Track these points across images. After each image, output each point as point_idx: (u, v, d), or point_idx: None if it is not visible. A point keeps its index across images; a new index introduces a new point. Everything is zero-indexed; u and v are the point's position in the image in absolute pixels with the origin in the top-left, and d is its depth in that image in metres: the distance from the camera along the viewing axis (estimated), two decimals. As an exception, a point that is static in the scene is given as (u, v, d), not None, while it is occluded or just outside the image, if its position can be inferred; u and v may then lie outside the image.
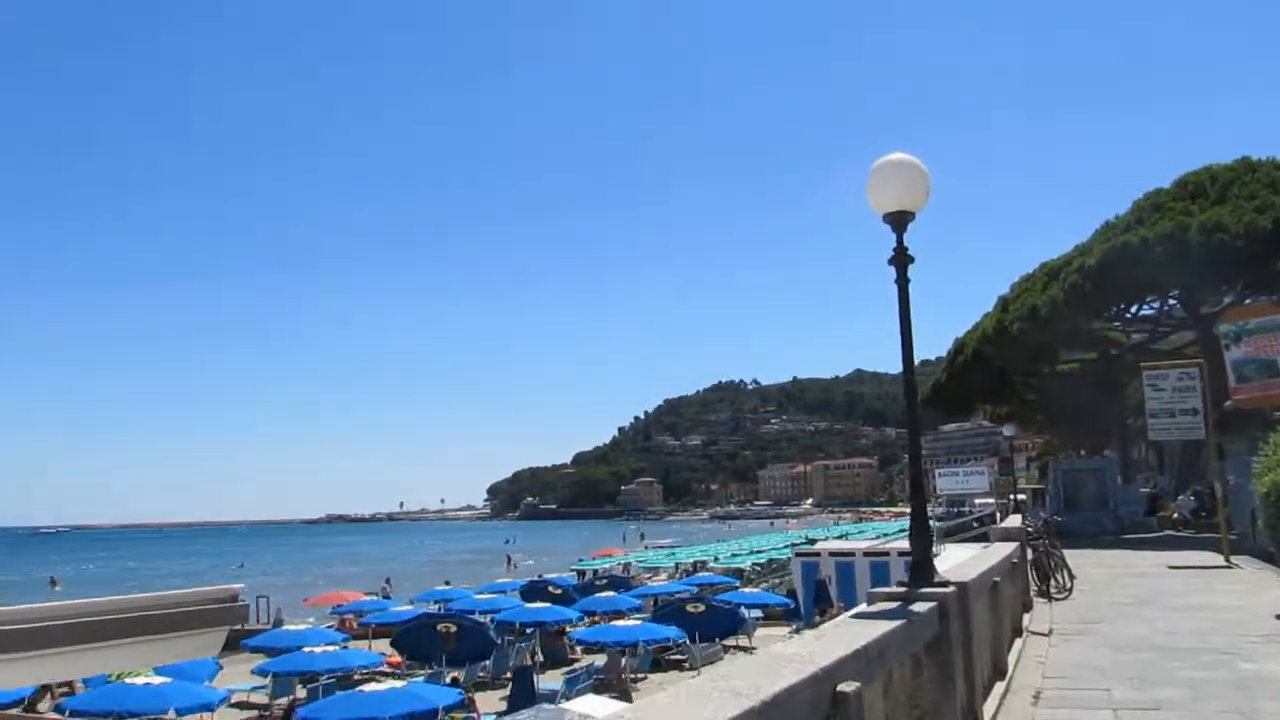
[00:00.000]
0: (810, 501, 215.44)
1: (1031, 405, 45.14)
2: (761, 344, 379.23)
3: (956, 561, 12.54)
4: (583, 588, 27.30)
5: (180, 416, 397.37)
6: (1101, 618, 11.50)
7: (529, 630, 19.11)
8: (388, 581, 37.54)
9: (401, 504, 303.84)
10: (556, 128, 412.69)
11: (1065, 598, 13.69)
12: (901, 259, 5.98)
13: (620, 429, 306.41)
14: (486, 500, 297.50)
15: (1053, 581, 13.97)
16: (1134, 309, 32.80)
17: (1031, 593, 13.50)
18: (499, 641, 17.39)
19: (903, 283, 6.01)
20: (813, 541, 53.02)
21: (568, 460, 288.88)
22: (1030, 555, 14.10)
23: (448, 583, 34.74)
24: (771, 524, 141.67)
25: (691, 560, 42.12)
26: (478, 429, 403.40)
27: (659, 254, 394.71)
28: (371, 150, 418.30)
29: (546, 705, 10.25)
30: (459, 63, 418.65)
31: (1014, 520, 16.85)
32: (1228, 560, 18.22)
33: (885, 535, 49.33)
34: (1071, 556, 21.39)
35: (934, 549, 19.07)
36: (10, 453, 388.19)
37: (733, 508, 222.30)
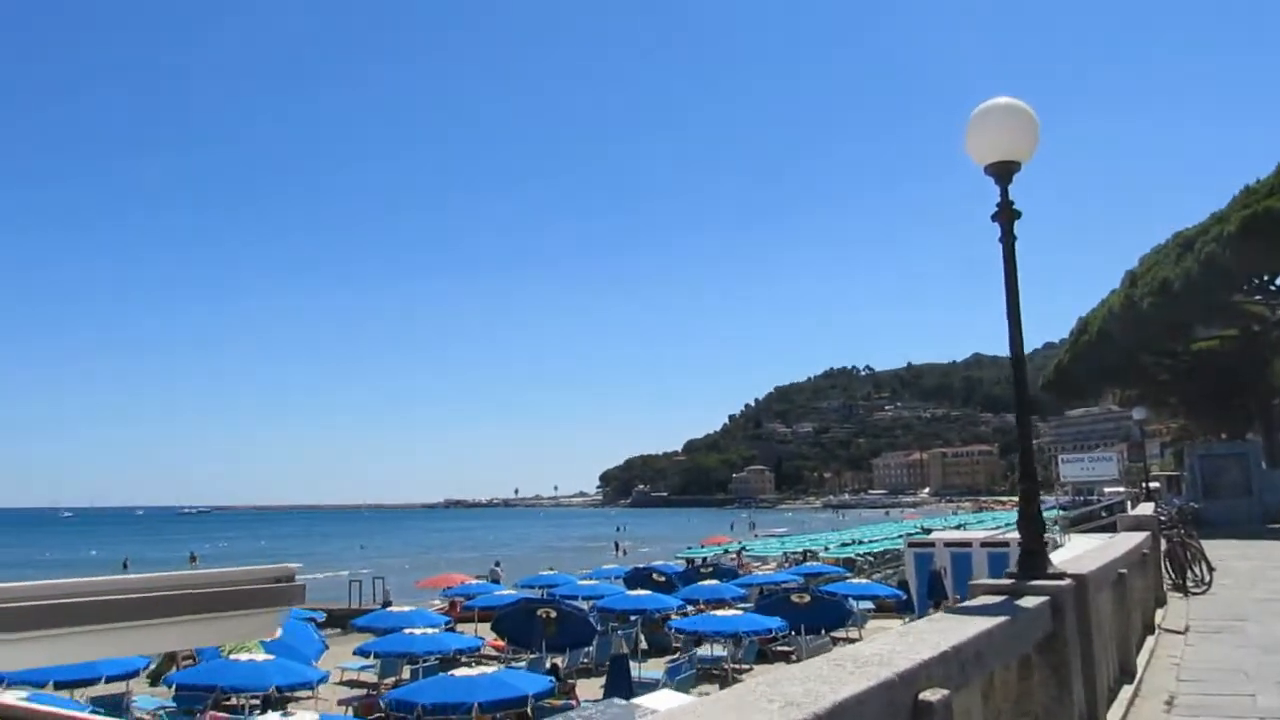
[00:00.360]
0: (927, 490, 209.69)
1: (1165, 387, 42.41)
2: (875, 329, 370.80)
3: (1078, 552, 11.70)
4: (688, 576, 26.97)
5: (316, 405, 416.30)
6: (1246, 615, 10.46)
7: (631, 618, 18.90)
8: (498, 565, 38.06)
9: (516, 490, 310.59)
10: (662, 115, 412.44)
11: (1204, 592, 12.59)
12: (1007, 214, 5.37)
13: (731, 417, 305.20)
14: (599, 487, 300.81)
15: (1190, 575, 12.86)
16: (1274, 280, 30.30)
17: (1165, 587, 12.47)
18: (600, 629, 17.25)
19: (1008, 241, 5.41)
20: (928, 531, 51.44)
21: (679, 448, 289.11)
22: (1164, 546, 13.03)
23: (551, 569, 35.01)
24: (887, 513, 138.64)
25: (801, 549, 41.21)
26: (591, 416, 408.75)
27: (770, 239, 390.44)
28: (490, 144, 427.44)
29: (617, 701, 9.90)
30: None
31: (1145, 508, 15.62)
32: (1393, 552, 16.56)
33: (1005, 525, 47.21)
34: (1211, 547, 19.87)
35: (1058, 538, 17.98)
36: (158, 435, 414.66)
37: (846, 496, 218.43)
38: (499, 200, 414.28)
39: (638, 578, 26.28)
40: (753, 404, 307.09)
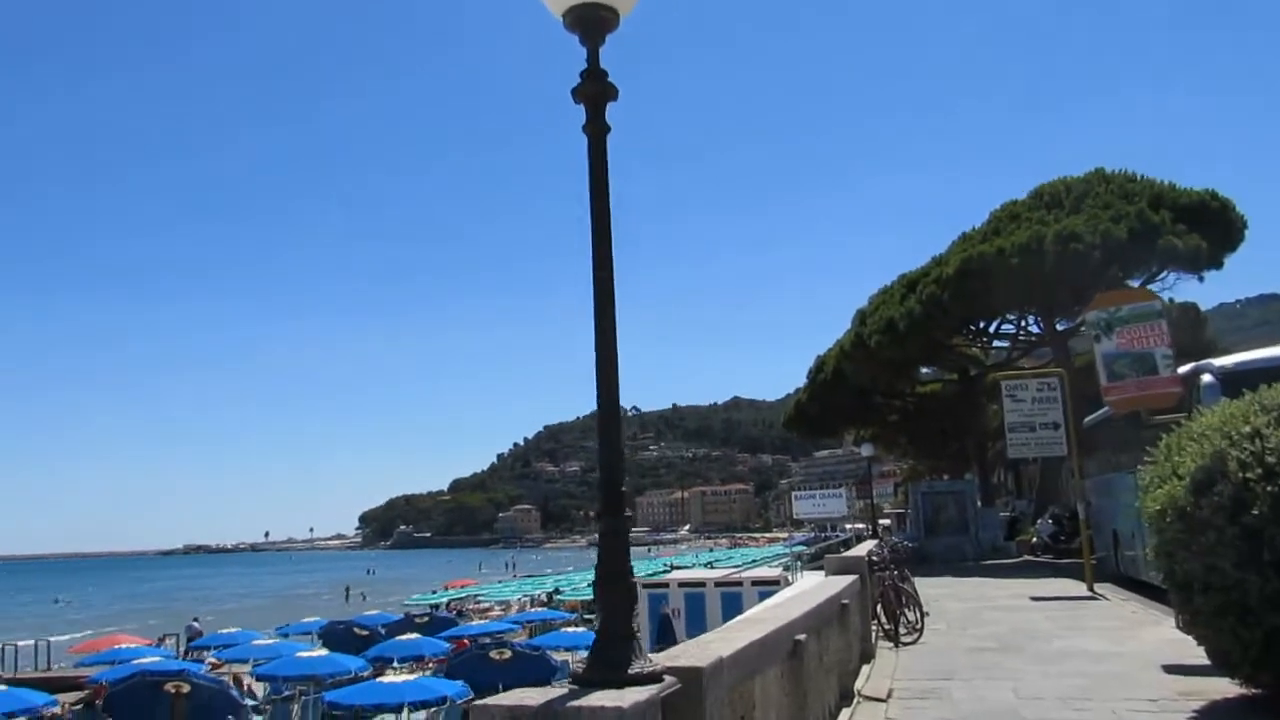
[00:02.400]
0: (687, 528, 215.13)
1: (895, 427, 44.19)
2: (643, 371, 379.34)
3: (782, 598, 10.05)
4: (400, 627, 24.01)
5: (27, 438, 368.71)
6: (955, 671, 9.25)
7: (288, 690, 15.71)
8: (196, 621, 33.04)
9: (267, 534, 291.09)
10: (423, 140, 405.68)
11: (915, 640, 11.50)
12: (596, 85, 3.44)
13: (499, 455, 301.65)
14: (358, 529, 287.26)
15: (902, 620, 11.77)
16: (993, 325, 31.93)
17: (875, 637, 11.29)
18: (244, 704, 14.06)
19: (597, 133, 3.48)
20: (674, 568, 50.87)
21: (444, 487, 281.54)
22: (878, 590, 11.92)
23: (191, 624, 30.45)
24: (649, 550, 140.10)
25: (544, 591, 39.04)
26: (352, 455, 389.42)
27: (541, 278, 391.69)
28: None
29: None
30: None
31: (860, 547, 14.67)
32: (1091, 589, 16.61)
33: (753, 561, 47.44)
34: (929, 585, 19.59)
35: (789, 576, 16.67)
36: None
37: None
38: (234, 221, 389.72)
39: (335, 633, 22.98)
40: (522, 443, 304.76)
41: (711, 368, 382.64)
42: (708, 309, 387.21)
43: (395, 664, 17.71)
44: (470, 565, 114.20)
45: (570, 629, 22.06)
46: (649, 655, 3.25)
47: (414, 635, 20.18)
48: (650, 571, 45.93)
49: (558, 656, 17.03)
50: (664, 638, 23.76)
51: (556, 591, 38.30)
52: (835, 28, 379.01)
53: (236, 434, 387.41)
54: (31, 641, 30.37)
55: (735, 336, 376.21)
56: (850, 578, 9.80)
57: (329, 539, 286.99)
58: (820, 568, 25.92)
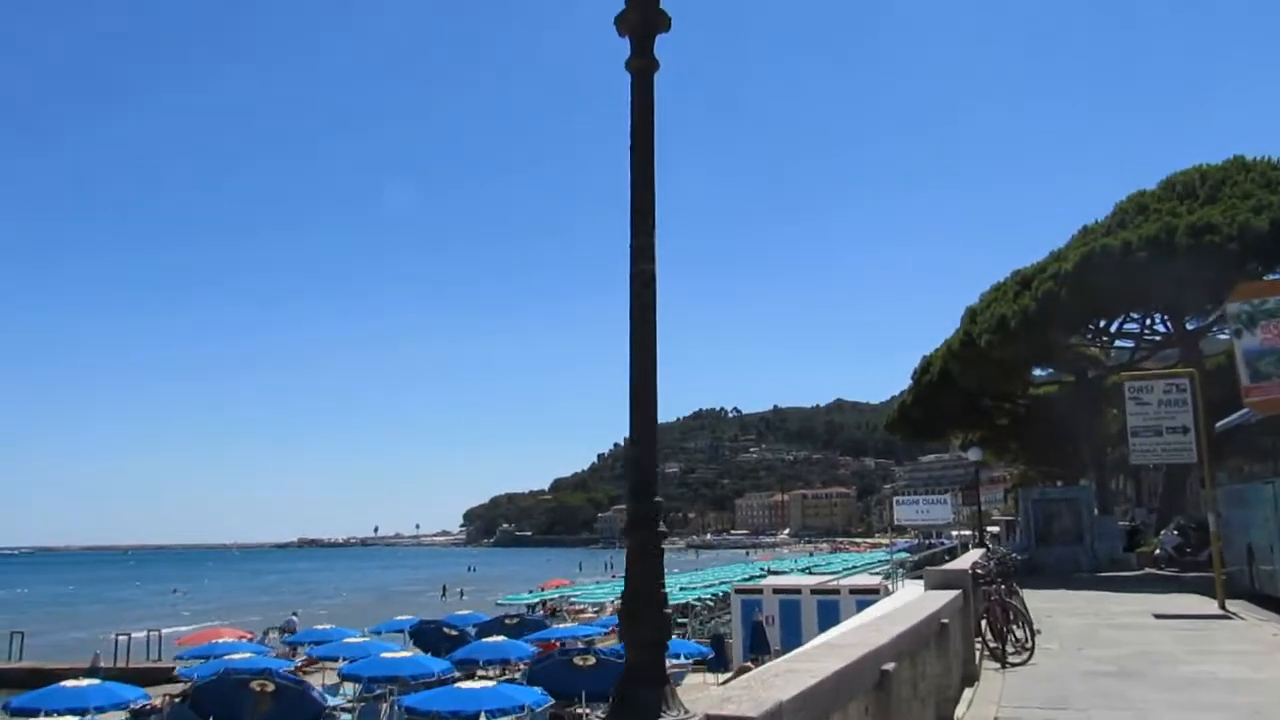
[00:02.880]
0: (787, 531, 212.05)
1: (1004, 431, 42.14)
2: (743, 372, 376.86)
3: (873, 614, 9.32)
4: (490, 628, 23.90)
5: (159, 437, 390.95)
6: (1070, 699, 8.34)
7: (377, 689, 15.63)
8: (295, 615, 33.85)
9: (376, 529, 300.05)
10: (541, 141, 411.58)
11: (1024, 661, 10.54)
12: (640, 16, 2.88)
13: (600, 455, 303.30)
14: (462, 526, 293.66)
15: (1010, 639, 10.82)
16: (1115, 324, 29.94)
17: (979, 657, 10.39)
18: (326, 704, 13.97)
19: (643, 70, 2.92)
20: (771, 573, 49.78)
21: (546, 487, 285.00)
22: (983, 605, 10.99)
23: (290, 618, 31.07)
24: (748, 554, 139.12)
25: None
26: (457, 453, 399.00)
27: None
28: (352, 162, 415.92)
29: None
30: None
31: (965, 558, 13.66)
32: (1223, 607, 15.17)
33: (853, 568, 46.06)
34: (1042, 598, 18.31)
35: (890, 585, 15.81)
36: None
37: (709, 537, 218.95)
38: (353, 216, 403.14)
39: (425, 633, 23.03)
40: (622, 443, 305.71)
41: (814, 369, 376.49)
42: (812, 309, 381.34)
43: (481, 666, 17.49)
44: (570, 564, 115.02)
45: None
46: (683, 704, 2.65)
47: (500, 638, 19.95)
48: (745, 576, 45.21)
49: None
50: (757, 646, 23.16)
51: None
52: (938, 26, 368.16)
53: (347, 431, 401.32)
54: (144, 633, 31.64)
55: (839, 338, 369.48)
56: (952, 593, 8.98)
57: (434, 535, 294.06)
58: (922, 577, 24.78)
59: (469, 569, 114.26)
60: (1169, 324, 28.57)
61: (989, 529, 70.12)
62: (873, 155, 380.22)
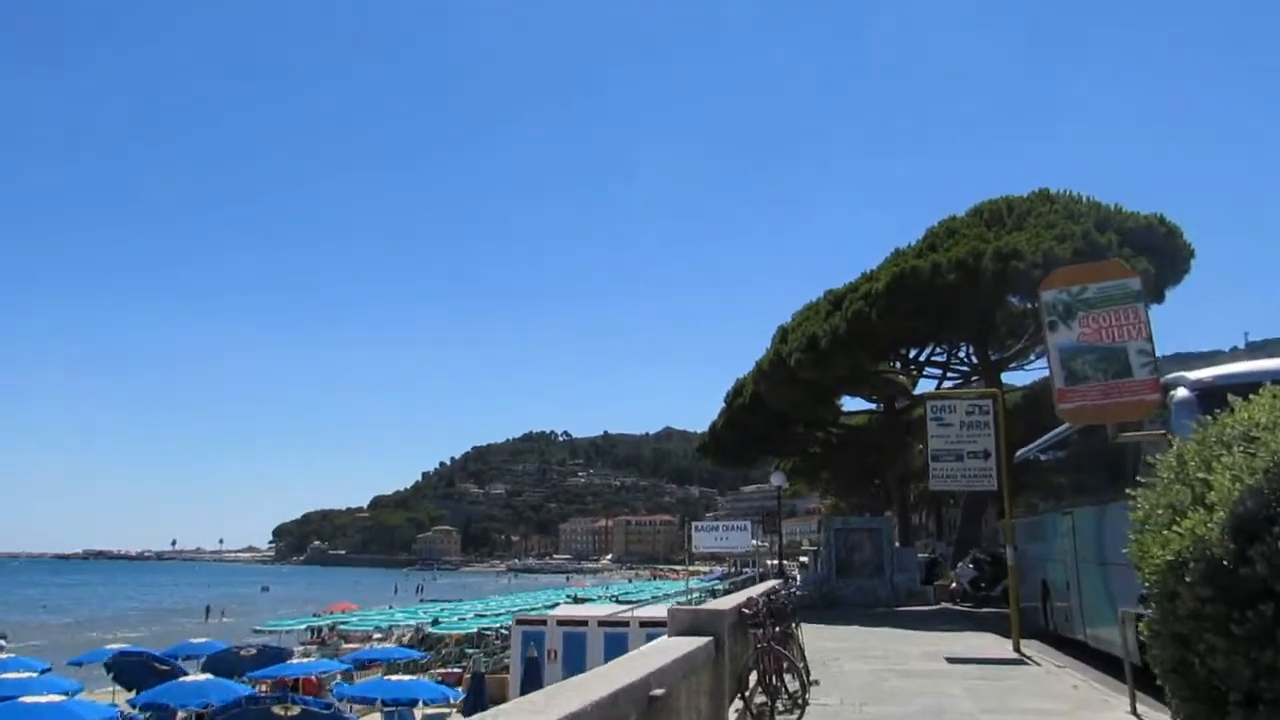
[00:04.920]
0: (610, 557, 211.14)
1: (817, 460, 41.78)
2: (575, 397, 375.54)
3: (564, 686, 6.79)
4: (221, 661, 20.35)
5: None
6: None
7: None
8: (2, 636, 28.73)
9: (174, 542, 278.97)
10: (375, 156, 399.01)
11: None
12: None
13: (424, 474, 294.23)
14: (271, 542, 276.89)
15: (781, 693, 8.85)
16: (924, 352, 29.62)
17: (747, 712, 8.36)
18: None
19: None
20: (576, 600, 47.48)
21: (365, 504, 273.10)
22: (752, 652, 9.01)
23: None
24: (568, 579, 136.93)
25: (414, 623, 35.39)
26: (271, 466, 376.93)
27: (478, 301, 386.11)
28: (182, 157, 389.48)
29: None
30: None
31: (738, 595, 11.71)
32: (1018, 649, 13.96)
33: (665, 595, 44.33)
34: (832, 636, 16.72)
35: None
36: None
37: (531, 561, 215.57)
38: (181, 225, 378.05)
39: (128, 665, 19.20)
40: (448, 462, 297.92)
41: (645, 396, 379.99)
42: (643, 335, 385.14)
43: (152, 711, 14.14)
44: (384, 586, 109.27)
45: (405, 679, 18.67)
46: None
47: (202, 676, 16.55)
48: (549, 602, 42.70)
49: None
50: (530, 682, 20.67)
51: (434, 622, 34.59)
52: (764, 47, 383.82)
53: (147, 436, 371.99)
54: None
55: (670, 364, 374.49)
56: (697, 642, 6.82)
57: (239, 551, 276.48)
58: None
59: (262, 588, 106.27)
60: (974, 354, 28.38)
61: (801, 559, 70.65)
62: (702, 189, 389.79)
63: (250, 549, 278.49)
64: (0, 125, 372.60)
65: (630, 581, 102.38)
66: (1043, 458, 16.99)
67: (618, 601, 39.14)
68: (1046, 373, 28.34)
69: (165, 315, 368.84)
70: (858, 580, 24.93)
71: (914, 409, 31.05)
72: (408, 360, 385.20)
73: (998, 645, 15.12)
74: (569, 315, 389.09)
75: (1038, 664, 12.89)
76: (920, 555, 30.58)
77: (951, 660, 13.31)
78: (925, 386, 31.82)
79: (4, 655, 21.71)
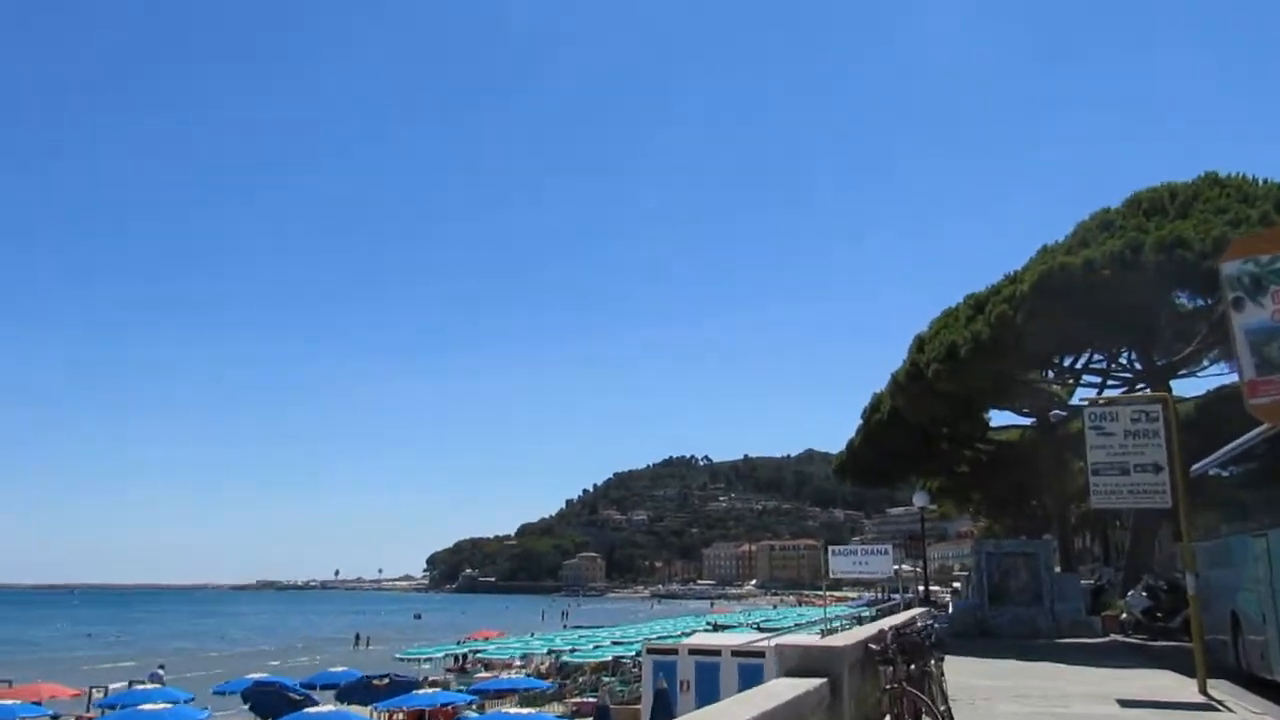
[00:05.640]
0: (754, 582, 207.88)
1: (965, 479, 39.22)
2: (715, 421, 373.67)
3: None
4: (355, 690, 20.46)
5: (112, 474, 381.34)
6: None
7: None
8: (161, 667, 30.16)
9: (337, 572, 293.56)
10: (499, 194, 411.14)
11: (935, 776, 7.42)
12: None
13: (568, 501, 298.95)
14: (425, 570, 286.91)
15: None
16: (1079, 360, 27.22)
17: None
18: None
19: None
20: (716, 627, 46.33)
21: (511, 532, 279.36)
22: (882, 692, 7.89)
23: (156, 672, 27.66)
24: (712, 604, 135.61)
25: (549, 650, 35.09)
26: (424, 497, 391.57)
27: (616, 327, 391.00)
28: (322, 200, 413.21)
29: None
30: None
31: (875, 625, 10.49)
32: (1204, 692, 12.10)
33: (808, 622, 42.65)
34: (985, 672, 15.15)
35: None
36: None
37: (675, 586, 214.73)
38: (320, 261, 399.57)
39: (263, 695, 19.49)
40: (591, 489, 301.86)
41: (785, 419, 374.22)
42: (782, 358, 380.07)
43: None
44: (531, 612, 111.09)
45: (526, 711, 18.12)
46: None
47: (328, 708, 16.52)
48: (686, 630, 41.76)
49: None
50: (659, 714, 19.79)
51: (571, 650, 34.22)
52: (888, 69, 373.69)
53: (314, 472, 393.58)
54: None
55: (809, 385, 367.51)
56: (807, 685, 5.84)
57: (397, 580, 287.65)
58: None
59: (415, 616, 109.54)
60: (1137, 360, 25.86)
61: (953, 585, 66.97)
62: (831, 202, 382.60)
63: (407, 577, 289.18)
64: (175, 162, 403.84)
65: (774, 608, 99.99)
66: (1224, 472, 14.95)
67: (759, 629, 37.76)
68: (1222, 380, 25.94)
69: (322, 352, 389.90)
70: (1013, 609, 22.90)
71: (1071, 422, 28.60)
72: (550, 388, 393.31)
73: (1179, 686, 13.23)
74: (705, 339, 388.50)
75: (1230, 710, 11.09)
76: (1084, 582, 27.97)
77: (1125, 703, 11.64)
78: (1083, 397, 29.32)
79: (151, 686, 22.61)
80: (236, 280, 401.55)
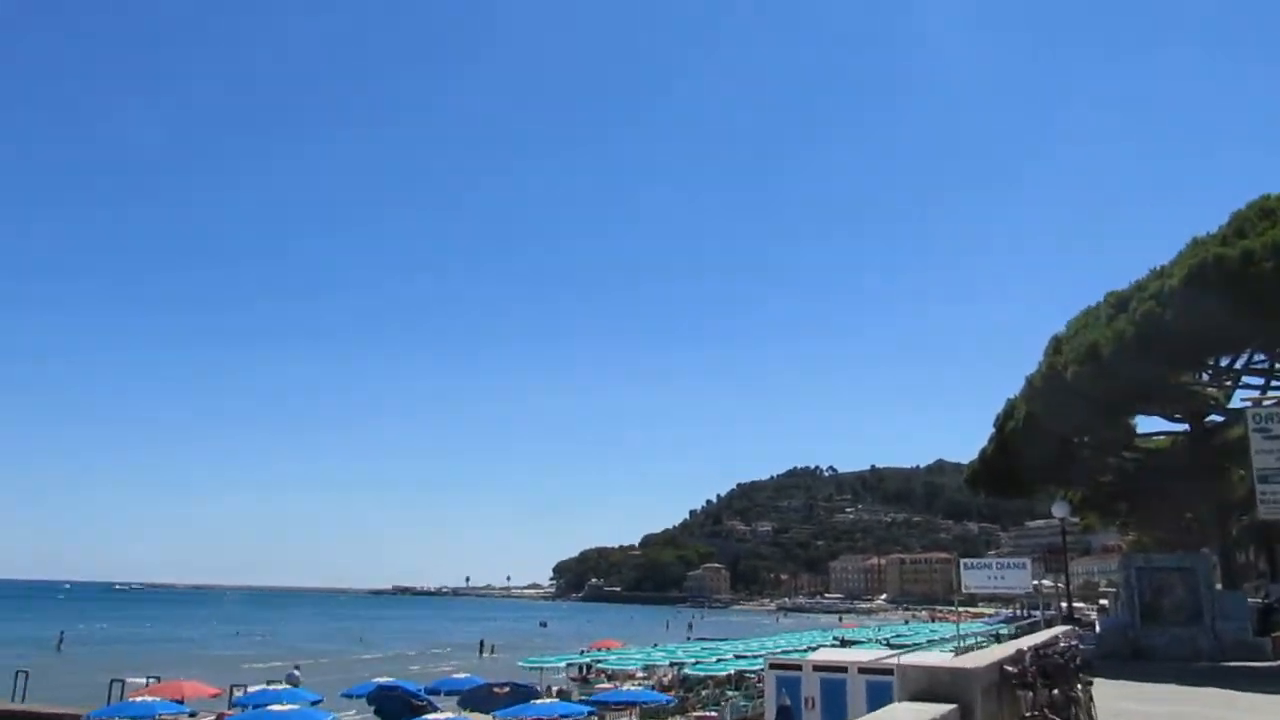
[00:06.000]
0: (884, 597, 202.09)
1: (1109, 490, 36.79)
2: (840, 430, 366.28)
3: None
4: (477, 696, 20.59)
5: (252, 480, 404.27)
6: None
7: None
8: (297, 668, 31.35)
9: (468, 579, 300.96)
10: (628, 207, 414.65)
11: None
12: None
13: (691, 512, 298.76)
14: (552, 579, 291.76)
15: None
16: (1237, 359, 25.03)
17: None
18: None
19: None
20: (844, 642, 44.88)
21: (636, 542, 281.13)
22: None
23: (292, 672, 28.56)
24: (840, 619, 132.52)
25: (671, 662, 34.55)
26: (551, 506, 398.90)
27: (739, 336, 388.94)
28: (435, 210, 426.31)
29: None
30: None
31: (1007, 646, 9.66)
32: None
33: (941, 639, 40.80)
34: (1140, 694, 13.95)
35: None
36: (95, 510, 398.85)
37: (802, 599, 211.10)
38: (459, 277, 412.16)
39: (387, 700, 19.79)
40: (714, 500, 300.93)
41: (914, 428, 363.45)
42: (911, 366, 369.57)
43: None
44: (655, 622, 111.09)
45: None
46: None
47: (444, 715, 16.57)
48: (811, 644, 40.55)
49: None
50: (779, 733, 19.08)
51: (695, 662, 33.69)
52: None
53: (446, 481, 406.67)
54: (144, 680, 29.81)
55: (940, 395, 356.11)
56: (934, 711, 5.27)
57: (525, 588, 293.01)
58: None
59: (541, 624, 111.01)
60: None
61: (1100, 602, 63.09)
62: (955, 210, 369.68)
63: (534, 585, 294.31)
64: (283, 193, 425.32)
65: (906, 623, 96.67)
66: None
67: (889, 646, 36.27)
68: None
69: (443, 369, 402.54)
70: (1170, 629, 21.18)
71: (1231, 428, 26.39)
72: (672, 399, 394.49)
73: (1370, 719, 11.81)
74: (831, 348, 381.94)
75: None
76: (1251, 600, 25.66)
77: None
78: (1245, 398, 26.96)
79: (280, 687, 23.46)
80: (370, 296, 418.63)
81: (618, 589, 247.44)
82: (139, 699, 20.94)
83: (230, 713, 21.76)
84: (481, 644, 66.60)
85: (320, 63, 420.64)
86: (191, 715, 21.26)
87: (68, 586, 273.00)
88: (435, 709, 18.26)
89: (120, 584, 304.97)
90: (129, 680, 29.76)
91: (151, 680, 28.96)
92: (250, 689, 24.24)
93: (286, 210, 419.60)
